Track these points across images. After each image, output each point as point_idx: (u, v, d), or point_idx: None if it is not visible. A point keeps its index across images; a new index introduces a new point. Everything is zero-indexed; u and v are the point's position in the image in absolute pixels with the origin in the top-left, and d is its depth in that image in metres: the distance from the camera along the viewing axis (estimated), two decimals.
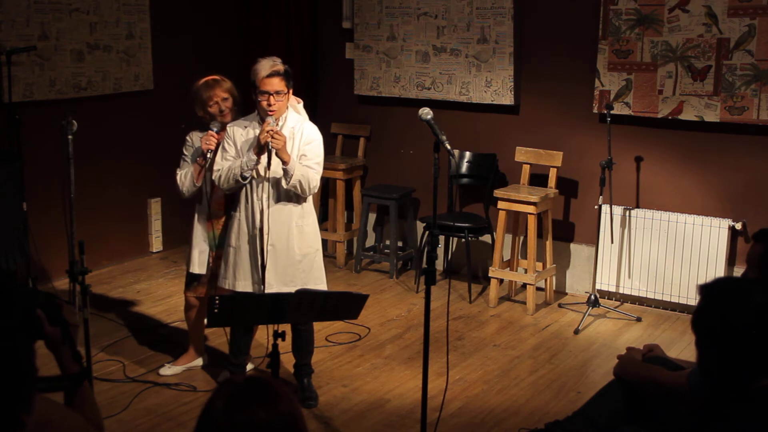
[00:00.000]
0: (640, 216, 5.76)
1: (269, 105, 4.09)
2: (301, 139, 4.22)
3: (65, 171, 4.11)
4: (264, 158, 4.12)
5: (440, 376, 4.52)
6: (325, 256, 4.45)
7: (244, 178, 4.13)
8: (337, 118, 7.00)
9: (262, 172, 4.17)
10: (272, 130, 4.05)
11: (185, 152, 4.54)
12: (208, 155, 4.36)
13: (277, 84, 4.10)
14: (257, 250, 4.20)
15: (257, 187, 4.21)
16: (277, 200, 4.22)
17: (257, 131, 4.14)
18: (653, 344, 3.50)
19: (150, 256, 6.82)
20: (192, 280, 4.59)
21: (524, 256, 5.98)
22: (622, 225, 5.81)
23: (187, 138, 4.55)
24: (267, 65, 4.13)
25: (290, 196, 4.22)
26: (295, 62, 6.23)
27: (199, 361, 4.77)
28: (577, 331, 5.43)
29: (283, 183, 4.15)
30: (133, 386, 4.55)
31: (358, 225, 6.68)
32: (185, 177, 4.48)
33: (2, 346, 1.67)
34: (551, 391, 4.62)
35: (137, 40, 6.49)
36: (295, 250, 4.25)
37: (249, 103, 4.37)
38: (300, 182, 4.14)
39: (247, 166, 4.10)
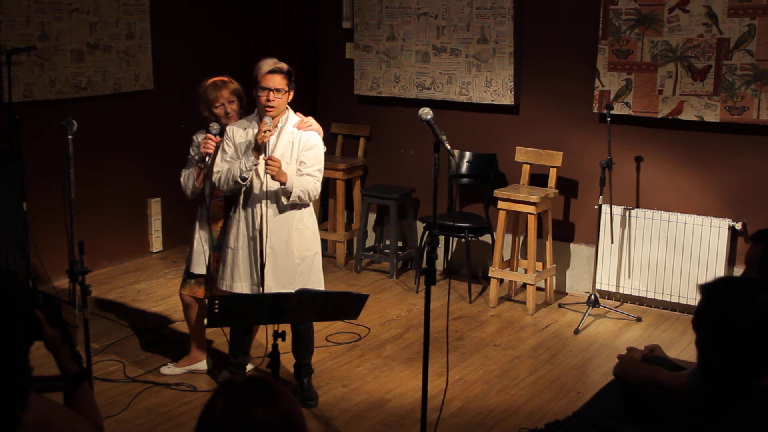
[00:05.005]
0: (640, 216, 5.76)
1: (268, 101, 4.10)
2: (301, 143, 4.23)
3: (65, 171, 4.11)
4: (262, 159, 4.13)
5: (440, 376, 4.52)
6: (325, 256, 4.46)
7: (243, 179, 4.14)
8: (337, 118, 7.00)
9: (261, 174, 4.18)
10: (269, 131, 4.07)
11: (191, 152, 4.54)
12: (207, 159, 4.36)
13: (278, 81, 4.11)
14: (256, 251, 4.20)
15: (257, 188, 4.21)
16: (277, 203, 4.22)
17: (256, 131, 4.14)
18: (654, 345, 3.50)
19: (150, 256, 6.82)
20: (188, 278, 4.59)
21: (524, 256, 5.98)
22: (622, 225, 5.81)
23: (193, 138, 4.54)
24: (270, 62, 4.18)
25: None
26: (295, 62, 6.23)
27: (203, 365, 4.75)
28: (577, 331, 5.43)
29: (283, 200, 4.18)
30: (133, 386, 4.55)
31: (358, 225, 6.68)
32: (188, 179, 4.48)
33: (2, 345, 1.67)
34: (551, 391, 4.62)
35: (137, 40, 6.49)
36: (294, 253, 4.25)
37: (252, 103, 4.36)
38: (299, 197, 4.17)
39: (246, 167, 4.11)
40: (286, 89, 4.16)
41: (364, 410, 4.37)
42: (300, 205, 4.25)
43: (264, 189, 4.19)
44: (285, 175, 4.11)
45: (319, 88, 7.15)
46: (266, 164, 4.08)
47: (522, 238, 6.07)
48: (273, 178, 4.11)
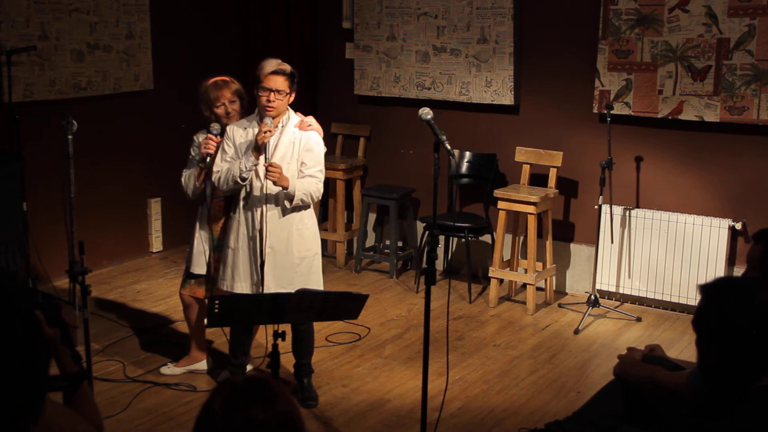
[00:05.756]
0: (640, 216, 5.76)
1: (268, 101, 4.10)
2: (301, 143, 4.23)
3: (65, 171, 4.11)
4: (262, 159, 4.13)
5: (440, 376, 4.52)
6: (325, 256, 4.46)
7: (243, 179, 4.14)
8: (337, 118, 7.00)
9: (261, 174, 4.18)
10: (269, 132, 4.07)
11: (192, 152, 4.53)
12: (207, 159, 4.36)
13: (280, 82, 4.11)
14: (256, 251, 4.20)
15: (257, 189, 4.21)
16: (277, 203, 4.22)
17: (257, 131, 4.14)
18: (654, 344, 3.50)
19: (150, 256, 6.82)
20: (188, 278, 4.59)
21: (524, 256, 5.97)
22: (622, 225, 5.81)
23: (194, 138, 4.54)
24: (274, 63, 4.18)
25: None
26: (295, 62, 6.21)
27: (203, 365, 4.75)
28: (577, 331, 5.43)
29: (287, 204, 4.18)
30: (133, 386, 4.55)
31: (358, 225, 6.68)
32: (189, 179, 4.48)
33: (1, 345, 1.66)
34: (551, 391, 4.62)
35: (137, 40, 6.49)
36: (294, 253, 4.25)
37: (253, 103, 4.37)
38: (302, 199, 4.18)
39: (246, 168, 4.11)
40: (288, 91, 4.16)
41: (364, 410, 4.37)
42: (301, 206, 4.26)
43: (264, 190, 4.19)
44: (287, 179, 4.11)
45: (319, 88, 7.15)
46: (267, 171, 4.08)
47: (522, 238, 6.07)
48: (275, 183, 4.11)
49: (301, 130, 4.25)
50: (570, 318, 5.69)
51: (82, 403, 2.09)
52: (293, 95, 4.22)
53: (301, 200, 4.18)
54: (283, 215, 4.23)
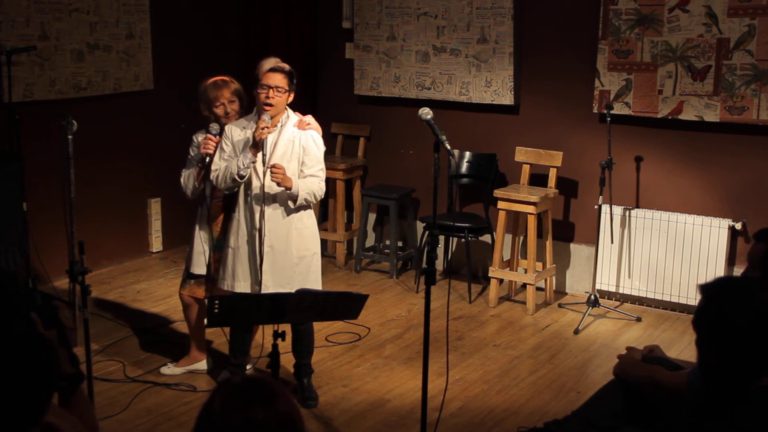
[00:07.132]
0: (640, 216, 5.76)
1: (267, 98, 4.11)
2: (301, 141, 4.23)
3: (65, 171, 4.11)
4: (260, 156, 4.13)
5: (440, 376, 4.52)
6: (325, 256, 4.46)
7: (241, 177, 4.14)
8: (337, 118, 6.99)
9: (260, 173, 4.18)
10: (267, 128, 4.08)
11: (191, 152, 4.53)
12: (207, 159, 4.36)
13: (278, 80, 4.12)
14: (256, 251, 4.20)
15: (256, 188, 4.21)
16: (277, 202, 4.22)
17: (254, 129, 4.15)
18: (653, 345, 3.50)
19: (150, 256, 6.82)
20: (188, 278, 4.59)
21: (524, 256, 5.97)
22: (622, 225, 5.81)
23: (193, 138, 4.54)
24: (272, 61, 4.23)
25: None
26: (295, 62, 6.22)
27: (203, 365, 4.75)
28: (577, 331, 5.43)
29: (290, 204, 4.19)
30: (133, 386, 4.55)
31: (358, 225, 6.68)
32: (188, 179, 4.48)
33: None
34: (551, 391, 4.62)
35: (137, 40, 6.48)
36: (293, 252, 4.25)
37: (252, 103, 4.37)
38: (306, 199, 4.19)
39: (243, 165, 4.12)
40: (286, 89, 4.16)
41: (364, 410, 4.37)
42: (303, 204, 4.27)
43: (263, 189, 4.19)
44: (290, 180, 4.12)
45: (319, 88, 7.14)
46: (271, 172, 4.09)
47: (522, 238, 6.07)
48: (279, 184, 4.12)
49: (300, 129, 4.26)
50: (570, 318, 5.69)
51: (79, 404, 2.09)
52: (292, 95, 4.22)
53: (305, 200, 4.20)
54: (283, 214, 4.24)
